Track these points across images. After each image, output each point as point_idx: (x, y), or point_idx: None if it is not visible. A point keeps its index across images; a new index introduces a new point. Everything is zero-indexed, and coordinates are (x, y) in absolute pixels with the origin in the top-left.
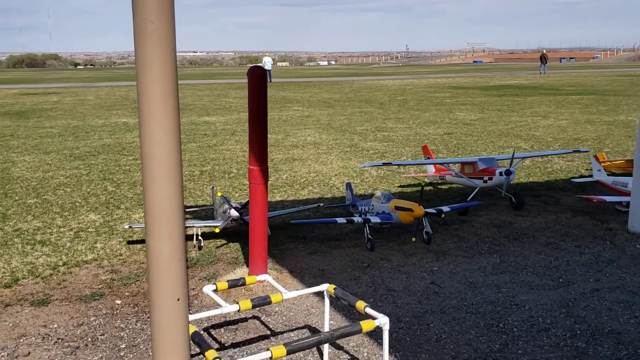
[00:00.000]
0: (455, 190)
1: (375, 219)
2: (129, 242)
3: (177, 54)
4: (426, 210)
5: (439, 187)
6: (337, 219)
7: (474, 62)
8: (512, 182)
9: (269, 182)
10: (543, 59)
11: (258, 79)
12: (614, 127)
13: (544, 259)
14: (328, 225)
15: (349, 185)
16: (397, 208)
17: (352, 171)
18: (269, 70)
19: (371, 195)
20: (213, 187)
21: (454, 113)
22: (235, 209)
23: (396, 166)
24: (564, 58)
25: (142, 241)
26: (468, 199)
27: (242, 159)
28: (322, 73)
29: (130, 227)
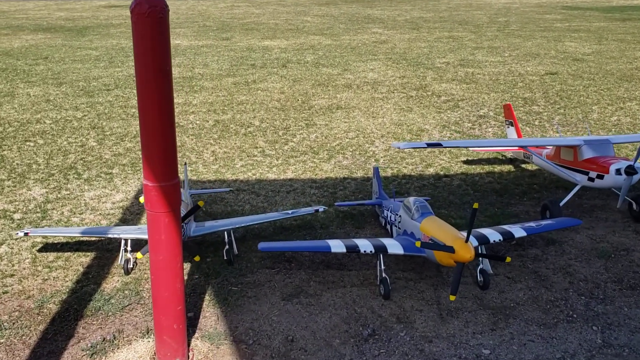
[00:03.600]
0: (544, 178)
1: (394, 248)
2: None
3: None
4: (479, 250)
5: (521, 169)
6: (331, 243)
7: None
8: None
9: (288, 145)
10: None
11: (150, 20)
12: None
13: None
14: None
15: (376, 172)
16: (431, 241)
17: (406, 130)
18: None
19: (407, 191)
20: (185, 165)
21: (563, 43)
22: None
23: (455, 139)
24: None
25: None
26: (561, 203)
27: (275, 106)
28: None
29: (26, 234)
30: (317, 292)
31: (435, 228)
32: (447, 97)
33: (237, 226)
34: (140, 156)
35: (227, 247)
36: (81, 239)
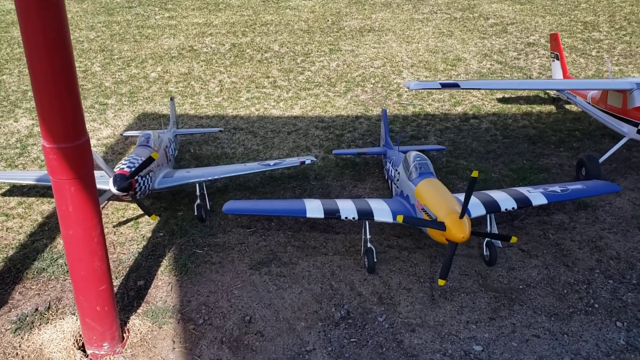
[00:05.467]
0: (589, 123)
1: (382, 215)
2: None
3: None
4: (485, 224)
5: (564, 110)
6: (308, 204)
7: None
8: None
9: (304, 75)
10: None
11: None
12: None
13: None
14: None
15: (384, 115)
16: (423, 211)
17: (441, 59)
18: None
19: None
20: (172, 99)
21: None
22: (119, 177)
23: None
24: None
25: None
26: (601, 160)
27: (301, 27)
28: None
29: None
30: (293, 259)
31: (430, 195)
32: (495, 20)
33: (208, 178)
34: (142, 85)
35: (198, 201)
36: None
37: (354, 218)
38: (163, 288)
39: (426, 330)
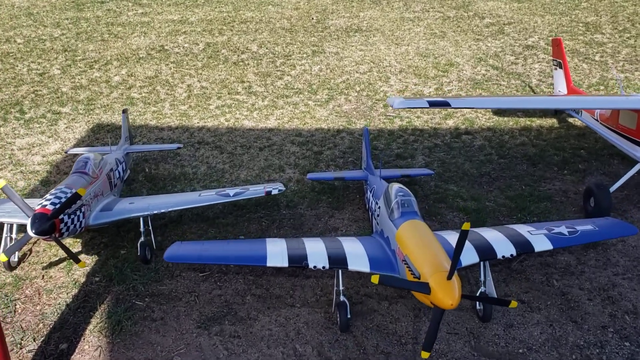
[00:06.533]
0: (595, 140)
1: (358, 262)
2: None
3: None
4: (464, 288)
5: (567, 125)
6: (270, 248)
7: None
8: None
9: (283, 80)
10: None
11: None
12: None
13: None
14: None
15: (365, 135)
16: (404, 262)
17: (432, 64)
18: None
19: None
20: (125, 112)
21: None
22: (39, 217)
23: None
24: None
25: None
26: (612, 188)
27: (283, 25)
28: None
29: None
30: (251, 313)
31: (413, 244)
32: (491, 19)
33: (154, 212)
34: (102, 90)
35: (142, 238)
36: None
37: (324, 267)
38: (90, 353)
39: None
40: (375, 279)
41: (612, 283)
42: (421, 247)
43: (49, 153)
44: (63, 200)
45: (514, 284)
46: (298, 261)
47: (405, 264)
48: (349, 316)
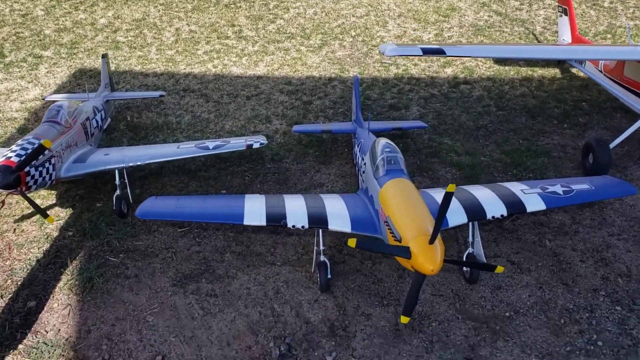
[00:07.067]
0: (598, 92)
1: (338, 222)
2: None
3: None
4: (447, 252)
5: (570, 75)
6: (248, 205)
7: None
8: None
9: (275, 23)
10: None
11: None
12: None
13: None
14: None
15: (356, 84)
16: (386, 224)
17: (432, 9)
18: None
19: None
20: (105, 57)
21: None
22: (3, 169)
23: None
24: None
25: None
26: (612, 144)
27: None
28: None
29: None
30: (230, 271)
31: (396, 205)
32: None
33: (129, 165)
34: (87, 33)
35: (117, 192)
36: None
37: (303, 227)
38: (58, 312)
39: None
40: (352, 243)
41: (607, 244)
42: (404, 209)
43: (28, 99)
44: (30, 151)
45: (505, 243)
46: (276, 220)
47: (387, 225)
48: (329, 276)
